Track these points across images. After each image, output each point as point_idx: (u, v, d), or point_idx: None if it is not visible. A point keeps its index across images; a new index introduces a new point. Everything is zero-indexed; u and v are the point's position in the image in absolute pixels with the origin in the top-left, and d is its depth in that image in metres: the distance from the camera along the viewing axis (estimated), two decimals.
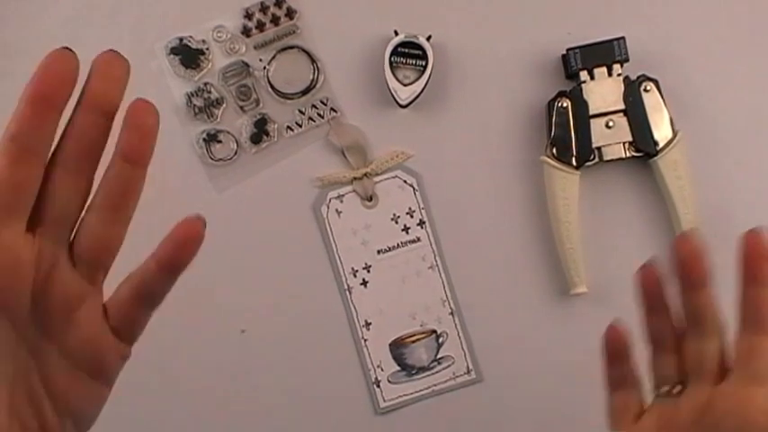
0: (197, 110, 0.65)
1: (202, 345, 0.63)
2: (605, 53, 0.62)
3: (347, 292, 0.52)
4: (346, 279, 0.52)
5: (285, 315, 0.62)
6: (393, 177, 0.53)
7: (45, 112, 0.31)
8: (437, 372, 0.53)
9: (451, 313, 0.54)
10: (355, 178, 0.52)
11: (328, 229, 0.52)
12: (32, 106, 0.31)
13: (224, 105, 0.65)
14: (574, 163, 0.61)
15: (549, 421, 0.63)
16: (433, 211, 0.56)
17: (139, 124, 0.31)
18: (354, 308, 0.52)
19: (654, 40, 0.64)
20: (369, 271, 0.52)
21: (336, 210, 0.52)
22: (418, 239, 0.54)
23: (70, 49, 0.31)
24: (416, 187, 0.54)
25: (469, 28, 0.65)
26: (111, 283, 0.35)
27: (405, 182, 0.54)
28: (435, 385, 0.52)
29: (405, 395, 0.51)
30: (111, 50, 0.33)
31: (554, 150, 0.62)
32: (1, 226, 0.28)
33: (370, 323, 0.52)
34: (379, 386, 0.52)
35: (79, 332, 0.31)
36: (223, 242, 0.63)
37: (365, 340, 0.52)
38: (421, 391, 0.52)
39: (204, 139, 0.64)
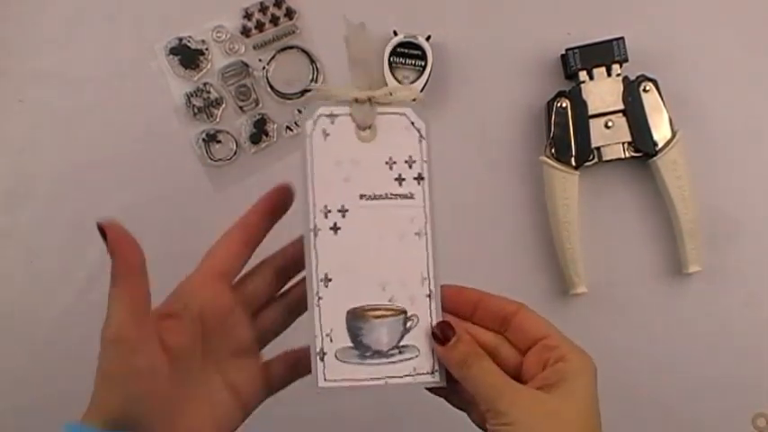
0: (196, 110, 0.65)
1: None
2: (604, 53, 0.62)
3: (311, 234, 0.40)
4: (315, 217, 0.41)
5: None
6: (400, 114, 0.43)
7: (271, 219, 0.42)
8: (396, 362, 0.41)
9: (429, 296, 0.42)
10: (357, 100, 0.42)
11: (309, 150, 0.41)
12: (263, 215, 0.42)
13: (223, 105, 0.65)
14: (573, 163, 0.61)
15: None
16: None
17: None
18: (316, 255, 0.40)
19: (653, 40, 0.64)
20: (344, 216, 0.41)
21: (324, 130, 0.41)
22: (411, 196, 0.43)
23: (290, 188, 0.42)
24: (423, 135, 0.44)
25: (469, 28, 0.65)
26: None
27: (412, 123, 0.44)
28: (390, 377, 0.41)
29: (351, 379, 0.40)
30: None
31: (553, 150, 0.62)
32: (221, 282, 0.40)
33: (330, 279, 0.41)
34: (323, 360, 0.40)
35: (244, 373, 0.41)
36: None
37: (320, 298, 0.40)
38: (371, 379, 0.41)
39: (204, 140, 0.64)
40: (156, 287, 0.37)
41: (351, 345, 0.41)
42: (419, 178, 0.44)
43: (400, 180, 0.43)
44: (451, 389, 0.41)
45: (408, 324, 0.42)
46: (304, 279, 0.40)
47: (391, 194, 0.43)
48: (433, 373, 0.41)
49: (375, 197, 0.42)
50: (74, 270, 0.63)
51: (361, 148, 0.42)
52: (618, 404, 0.63)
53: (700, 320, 0.63)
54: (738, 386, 0.62)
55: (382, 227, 0.42)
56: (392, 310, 0.42)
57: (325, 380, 0.40)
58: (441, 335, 0.39)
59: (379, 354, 0.41)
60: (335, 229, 0.41)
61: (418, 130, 0.44)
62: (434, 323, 0.41)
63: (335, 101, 0.42)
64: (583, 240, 0.62)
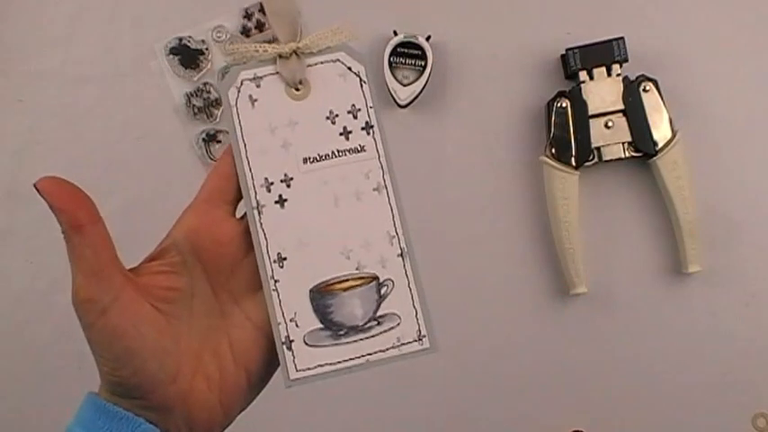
0: (196, 110, 0.65)
1: None
2: (605, 53, 0.61)
3: (255, 212, 0.36)
4: (256, 193, 0.37)
5: None
6: (333, 61, 0.38)
7: None
8: (376, 335, 0.37)
9: (401, 254, 0.37)
10: (280, 56, 0.37)
11: (236, 122, 0.37)
12: None
13: (223, 105, 0.65)
14: (573, 163, 0.61)
15: (546, 419, 0.63)
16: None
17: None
18: (264, 234, 0.36)
19: (653, 41, 0.64)
20: (288, 185, 0.37)
21: (250, 96, 0.37)
22: (362, 148, 0.38)
23: None
24: (364, 78, 0.38)
25: (469, 28, 0.65)
26: None
27: (349, 69, 0.38)
28: (371, 354, 0.37)
29: (327, 364, 0.36)
30: None
31: (553, 150, 0.62)
32: (214, 206, 0.36)
33: (285, 258, 0.37)
34: (290, 348, 0.36)
35: (265, 304, 0.36)
36: None
37: (276, 281, 0.36)
38: (350, 359, 0.36)
39: (204, 139, 0.64)
40: None
41: (320, 326, 0.36)
42: (367, 127, 0.38)
43: (346, 133, 0.38)
44: None
45: (383, 290, 0.37)
46: None
47: (338, 151, 0.38)
48: (420, 339, 0.37)
49: (321, 158, 0.37)
50: None
51: (295, 108, 0.37)
52: (618, 404, 0.63)
53: (700, 320, 0.63)
54: (738, 386, 0.62)
55: (335, 189, 0.37)
56: (362, 278, 0.37)
57: (297, 370, 0.36)
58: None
59: (354, 330, 0.37)
60: (281, 201, 0.37)
61: (357, 74, 0.38)
62: (414, 289, 0.37)
63: (257, 60, 0.37)
64: (583, 240, 0.62)
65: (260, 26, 0.65)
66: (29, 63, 0.66)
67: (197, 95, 0.65)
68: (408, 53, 0.63)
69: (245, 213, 0.37)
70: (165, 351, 0.32)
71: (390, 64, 0.62)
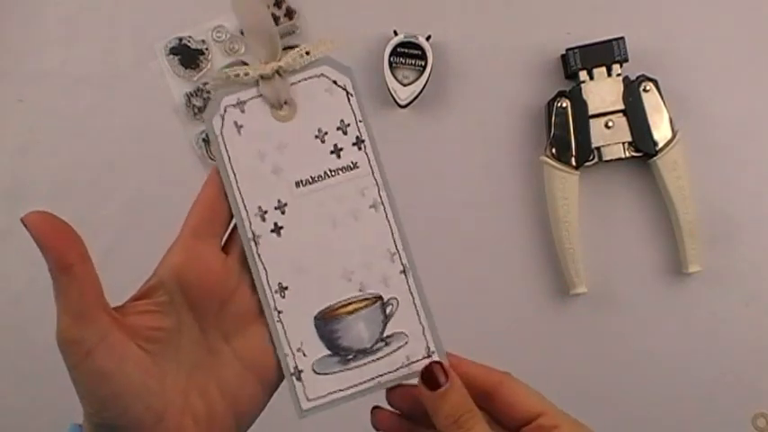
0: (196, 110, 0.65)
1: None
2: (605, 53, 0.61)
3: (252, 243, 0.36)
4: (251, 224, 0.36)
5: None
6: (318, 77, 0.36)
7: None
8: (384, 356, 0.36)
9: (403, 271, 0.37)
10: (262, 76, 0.35)
11: (223, 151, 0.35)
12: None
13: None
14: (573, 163, 0.61)
15: None
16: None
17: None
18: (263, 265, 0.36)
19: (653, 40, 0.64)
20: (283, 212, 0.36)
21: (235, 123, 0.36)
22: (355, 165, 0.36)
23: None
24: (350, 91, 0.37)
25: (469, 28, 0.65)
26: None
27: (334, 83, 0.36)
28: (381, 375, 0.36)
29: (338, 390, 0.36)
30: None
31: (553, 150, 0.62)
32: (200, 240, 0.35)
33: (286, 288, 0.36)
34: (300, 378, 0.36)
35: (254, 341, 0.36)
36: None
37: (279, 312, 0.36)
38: (361, 383, 0.36)
39: (204, 140, 0.64)
40: None
41: (328, 353, 0.36)
42: (358, 142, 0.37)
43: (337, 151, 0.37)
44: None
45: (388, 310, 0.37)
46: None
47: (331, 171, 0.36)
48: (429, 356, 0.37)
49: (313, 180, 0.36)
50: None
51: (282, 130, 0.36)
52: (618, 404, 0.63)
53: (700, 320, 0.63)
54: (738, 386, 0.62)
55: (330, 210, 0.36)
56: (366, 299, 0.37)
57: (308, 400, 0.36)
58: (429, 378, 0.34)
59: (362, 353, 0.36)
60: (277, 230, 0.36)
61: (343, 88, 0.37)
62: (420, 305, 0.36)
63: (239, 85, 0.36)
64: (583, 240, 0.62)
65: None
66: (29, 63, 0.66)
67: (197, 95, 0.65)
68: (408, 53, 0.62)
69: (233, 246, 0.36)
70: (150, 392, 0.32)
71: (390, 64, 0.62)
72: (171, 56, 0.65)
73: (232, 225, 0.37)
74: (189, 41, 0.65)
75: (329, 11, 0.65)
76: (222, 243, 0.36)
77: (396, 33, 0.63)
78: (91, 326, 0.30)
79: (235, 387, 0.35)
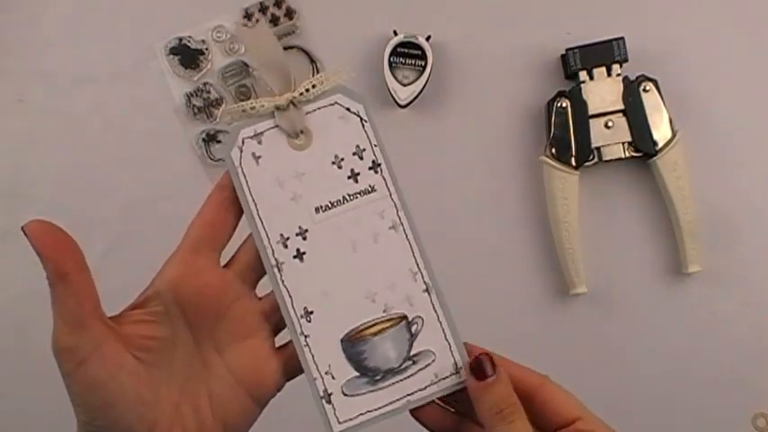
0: (196, 110, 0.65)
1: None
2: (605, 53, 0.61)
3: (275, 270, 0.36)
4: (273, 251, 0.37)
5: None
6: (331, 105, 0.38)
7: None
8: (413, 374, 0.37)
9: (426, 290, 0.38)
10: (278, 107, 0.37)
11: (243, 182, 0.36)
12: None
13: (223, 105, 0.65)
14: (573, 163, 0.61)
15: None
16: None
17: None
18: (288, 291, 0.37)
19: (653, 40, 0.64)
20: (305, 238, 0.37)
21: (253, 154, 0.37)
22: (373, 188, 0.38)
23: None
24: (364, 117, 0.38)
25: (469, 28, 0.65)
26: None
27: (348, 110, 0.38)
28: (411, 394, 0.37)
29: (368, 411, 0.36)
30: None
31: (553, 150, 0.62)
32: (198, 254, 0.35)
33: (311, 312, 0.37)
34: (330, 401, 0.36)
35: (248, 356, 0.36)
36: None
37: (306, 336, 0.36)
38: (391, 403, 0.37)
39: (204, 140, 0.64)
40: None
41: (356, 374, 0.37)
42: (375, 166, 0.38)
43: (354, 176, 0.38)
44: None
45: (413, 329, 0.37)
46: None
47: (349, 195, 0.38)
48: (458, 372, 0.37)
49: (332, 205, 0.37)
50: None
51: (300, 158, 0.37)
52: (618, 404, 0.63)
53: (700, 320, 0.63)
54: (738, 386, 0.62)
55: (351, 234, 0.37)
56: (391, 319, 0.37)
57: (339, 422, 0.36)
58: (477, 368, 0.35)
59: (391, 372, 0.37)
60: (300, 255, 0.37)
61: (357, 114, 0.38)
62: (445, 323, 0.37)
63: (255, 116, 0.37)
64: (583, 240, 0.62)
65: None
66: (29, 63, 0.66)
67: (197, 95, 0.65)
68: (408, 53, 0.63)
69: (233, 261, 0.37)
70: (143, 402, 0.32)
71: (390, 64, 0.62)
72: (171, 56, 0.65)
73: (240, 246, 0.38)
74: (189, 41, 0.65)
75: (329, 11, 0.65)
76: (219, 258, 0.37)
77: (396, 33, 0.63)
78: (85, 334, 0.31)
79: (226, 401, 0.36)
